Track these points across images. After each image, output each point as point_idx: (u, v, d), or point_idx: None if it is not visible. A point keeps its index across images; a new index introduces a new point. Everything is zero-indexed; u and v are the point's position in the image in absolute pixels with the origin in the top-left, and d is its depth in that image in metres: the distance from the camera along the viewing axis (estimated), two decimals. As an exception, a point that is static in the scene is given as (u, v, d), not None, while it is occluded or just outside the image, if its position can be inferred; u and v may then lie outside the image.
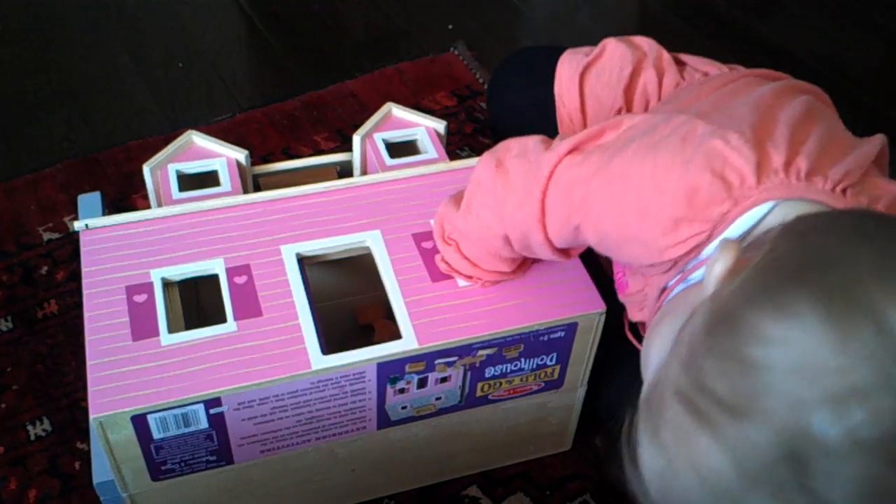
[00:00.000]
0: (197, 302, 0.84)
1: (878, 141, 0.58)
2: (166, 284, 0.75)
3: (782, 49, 1.42)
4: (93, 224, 0.79)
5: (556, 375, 0.79)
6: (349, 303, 0.92)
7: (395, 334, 0.73)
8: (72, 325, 0.98)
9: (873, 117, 1.29)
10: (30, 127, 1.26)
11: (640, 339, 0.75)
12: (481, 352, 0.74)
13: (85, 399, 0.68)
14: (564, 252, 0.69)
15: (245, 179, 0.87)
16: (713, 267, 0.47)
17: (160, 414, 0.67)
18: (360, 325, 0.92)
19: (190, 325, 0.73)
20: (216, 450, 0.72)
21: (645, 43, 0.85)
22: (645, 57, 0.84)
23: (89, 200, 0.86)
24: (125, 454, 0.69)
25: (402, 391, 0.75)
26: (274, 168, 0.92)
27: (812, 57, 1.40)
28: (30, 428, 0.90)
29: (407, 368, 0.73)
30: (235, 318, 0.72)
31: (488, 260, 0.73)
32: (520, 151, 0.68)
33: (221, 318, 0.72)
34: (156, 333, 0.71)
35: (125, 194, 1.14)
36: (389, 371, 0.72)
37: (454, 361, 0.74)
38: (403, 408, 0.76)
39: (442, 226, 0.75)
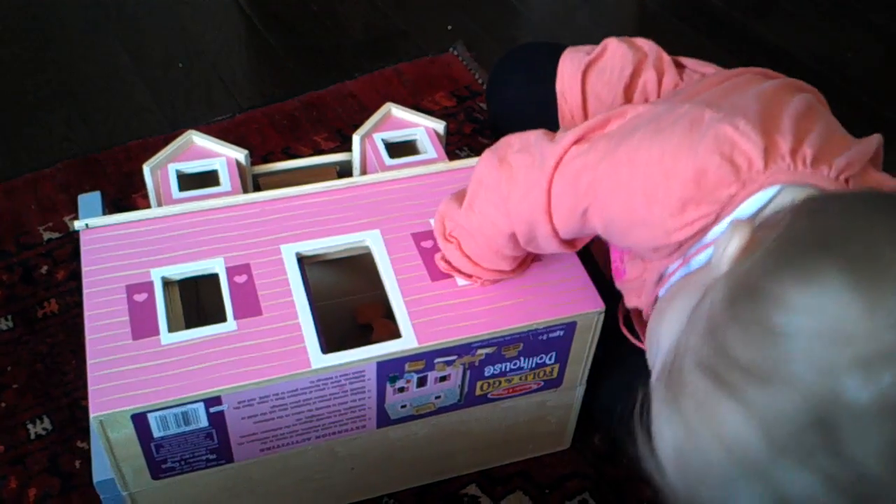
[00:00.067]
0: (197, 301, 0.85)
1: (874, 140, 0.58)
2: (166, 284, 0.75)
3: (781, 49, 1.42)
4: (93, 223, 0.79)
5: (555, 374, 0.80)
6: (349, 302, 0.92)
7: (394, 333, 0.73)
8: (72, 325, 0.98)
9: (871, 117, 1.29)
10: (30, 127, 1.26)
11: (632, 330, 0.76)
12: (480, 351, 0.74)
13: (85, 398, 0.68)
14: (570, 243, 0.70)
15: (245, 179, 0.87)
16: (727, 246, 0.48)
17: (160, 412, 0.68)
18: (360, 324, 0.93)
19: (190, 325, 0.73)
20: (216, 448, 0.73)
21: (646, 44, 0.86)
22: (646, 58, 0.84)
23: (89, 200, 0.87)
24: (125, 453, 0.69)
25: (401, 390, 0.75)
26: (274, 168, 0.92)
27: (810, 57, 1.40)
28: (30, 427, 0.90)
29: (406, 367, 0.73)
30: (235, 318, 0.72)
31: (490, 258, 0.73)
32: (522, 146, 0.68)
33: (221, 318, 0.72)
34: (156, 332, 0.71)
35: (125, 194, 1.14)
36: (389, 370, 0.73)
37: (453, 360, 0.74)
38: (403, 406, 0.77)
39: (443, 224, 0.76)
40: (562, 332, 0.76)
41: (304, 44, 1.43)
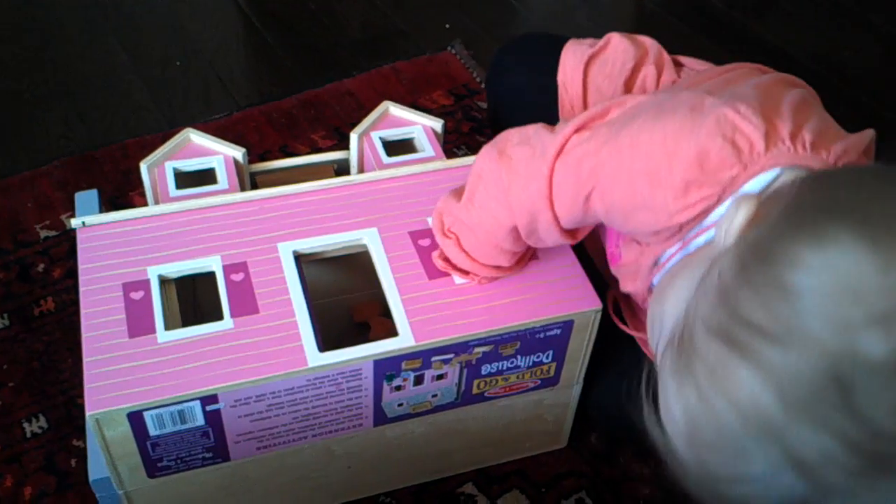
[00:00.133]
0: (194, 299, 0.85)
1: (867, 134, 0.59)
2: (163, 282, 0.75)
3: (779, 49, 1.42)
4: (90, 221, 0.79)
5: (552, 373, 0.80)
6: (346, 300, 0.92)
7: (391, 331, 0.73)
8: (68, 323, 0.98)
9: (870, 117, 1.29)
10: (27, 125, 1.26)
11: (622, 319, 0.77)
12: (477, 349, 0.74)
13: (81, 396, 0.68)
14: (571, 233, 0.70)
15: (242, 177, 0.87)
16: (733, 219, 0.49)
17: (156, 411, 0.67)
18: (357, 322, 0.93)
19: (187, 323, 0.73)
20: (212, 447, 0.73)
21: (647, 41, 0.87)
22: (647, 54, 0.85)
23: (86, 198, 0.87)
24: (121, 451, 0.69)
25: (398, 388, 0.75)
26: (271, 166, 0.92)
27: (809, 56, 1.40)
28: (26, 425, 0.90)
29: (403, 366, 0.73)
30: (232, 316, 0.72)
31: (489, 252, 0.73)
32: (521, 139, 0.69)
33: (218, 316, 0.72)
34: (152, 330, 0.71)
35: (122, 192, 1.14)
36: (386, 368, 0.73)
37: (450, 359, 0.74)
38: (400, 405, 0.77)
39: (441, 219, 0.76)
40: (559, 331, 0.76)
41: (301, 42, 1.43)
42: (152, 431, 0.69)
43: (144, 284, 0.74)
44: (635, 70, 0.84)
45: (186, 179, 0.85)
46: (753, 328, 0.41)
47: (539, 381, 0.80)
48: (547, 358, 0.78)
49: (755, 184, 0.56)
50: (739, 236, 0.48)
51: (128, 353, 0.69)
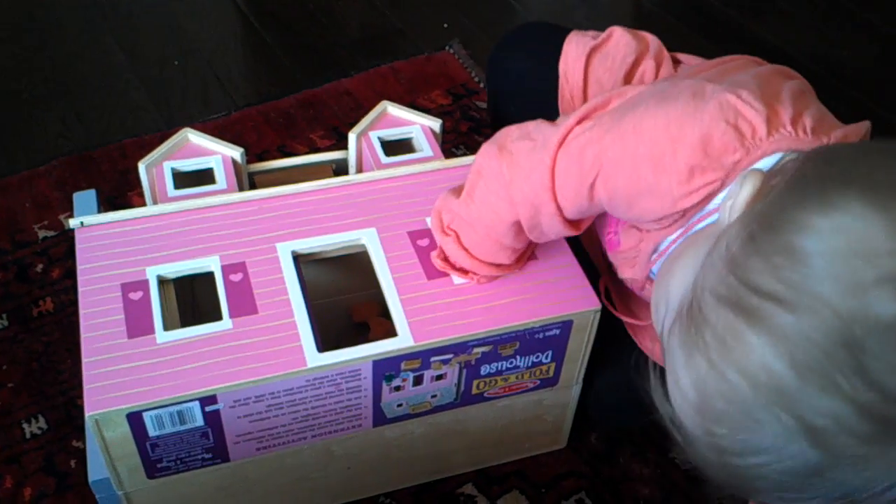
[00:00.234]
0: (193, 299, 0.84)
1: (864, 125, 0.60)
2: (162, 282, 0.75)
3: (776, 48, 1.43)
4: (88, 221, 0.79)
5: (551, 373, 0.80)
6: (345, 300, 0.92)
7: (390, 332, 0.73)
8: (67, 323, 0.98)
9: (867, 115, 1.28)
10: (25, 124, 1.25)
11: (613, 305, 0.78)
12: (477, 349, 0.74)
13: (80, 396, 0.68)
14: (575, 224, 0.70)
15: (241, 177, 0.87)
16: (739, 194, 0.49)
17: (156, 411, 0.67)
18: (356, 322, 0.93)
19: (185, 323, 0.73)
20: (212, 447, 0.73)
21: (648, 37, 0.87)
22: (647, 49, 0.86)
23: (85, 198, 0.86)
24: (121, 452, 0.69)
25: (397, 389, 0.75)
26: (269, 166, 0.92)
27: (806, 56, 1.40)
28: (25, 426, 0.90)
29: (402, 366, 0.73)
30: (231, 316, 0.72)
31: (489, 249, 0.73)
32: (521, 134, 0.69)
33: (217, 316, 0.72)
34: (151, 331, 0.71)
35: (120, 192, 1.14)
36: (385, 368, 0.73)
37: (450, 359, 0.74)
38: (399, 405, 0.77)
39: (440, 217, 0.76)
40: (558, 331, 0.76)
41: (300, 42, 1.43)
42: (152, 432, 0.69)
43: (143, 285, 0.74)
44: (635, 64, 0.85)
45: (185, 179, 0.85)
46: (763, 294, 0.42)
47: (538, 382, 0.80)
48: (546, 358, 0.78)
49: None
50: (745, 210, 0.48)
51: (127, 353, 0.69)
